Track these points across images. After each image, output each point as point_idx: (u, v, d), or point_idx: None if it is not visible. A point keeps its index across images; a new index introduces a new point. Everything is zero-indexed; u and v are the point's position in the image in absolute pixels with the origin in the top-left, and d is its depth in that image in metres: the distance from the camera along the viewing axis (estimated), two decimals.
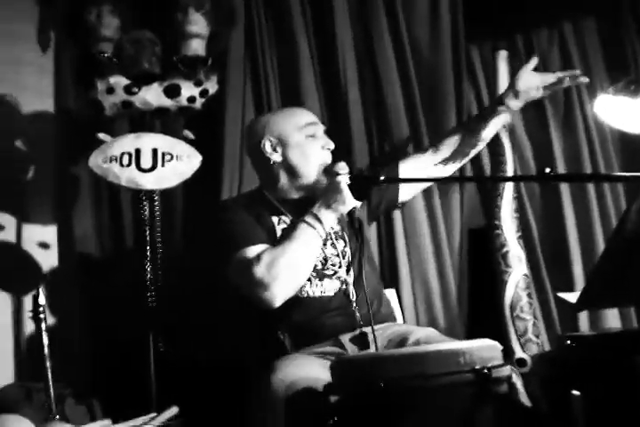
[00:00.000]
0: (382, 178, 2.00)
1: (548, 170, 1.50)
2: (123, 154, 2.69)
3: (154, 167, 2.70)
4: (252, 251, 2.10)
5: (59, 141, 3.19)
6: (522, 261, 2.79)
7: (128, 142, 2.72)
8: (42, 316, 2.25)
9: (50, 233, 3.13)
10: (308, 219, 2.09)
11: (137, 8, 2.83)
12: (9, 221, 3.04)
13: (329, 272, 2.22)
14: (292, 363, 2.00)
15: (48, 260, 3.10)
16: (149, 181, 2.70)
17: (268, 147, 2.28)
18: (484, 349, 1.64)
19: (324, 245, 2.22)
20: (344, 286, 2.23)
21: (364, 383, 1.58)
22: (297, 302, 2.14)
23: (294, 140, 2.27)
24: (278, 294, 2.04)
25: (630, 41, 3.21)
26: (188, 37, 2.74)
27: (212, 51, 2.83)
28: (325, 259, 2.23)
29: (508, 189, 2.85)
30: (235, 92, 2.97)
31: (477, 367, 1.54)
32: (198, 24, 2.75)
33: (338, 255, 2.26)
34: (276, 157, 2.28)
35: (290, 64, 3.00)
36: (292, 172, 2.28)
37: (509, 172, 2.88)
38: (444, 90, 2.99)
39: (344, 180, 2.06)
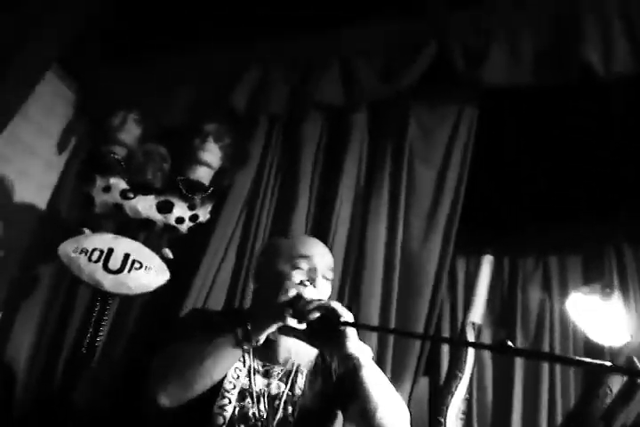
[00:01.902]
0: (342, 320, 1.84)
1: (509, 343, 1.44)
2: (94, 249, 2.64)
3: (120, 271, 2.64)
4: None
5: (37, 236, 3.17)
6: None
7: (104, 240, 2.69)
8: None
9: None
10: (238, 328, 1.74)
11: (161, 124, 2.95)
12: None
13: None
14: None
15: None
16: (109, 283, 2.61)
17: (255, 273, 2.06)
18: None
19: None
20: None
21: None
22: None
23: (277, 269, 1.95)
24: (160, 391, 1.68)
25: (610, 272, 3.33)
26: (198, 163, 2.83)
27: (215, 183, 2.89)
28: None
29: (461, 390, 2.78)
30: (224, 226, 2.94)
31: None
32: (212, 154, 2.85)
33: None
34: (254, 285, 2.04)
35: (285, 217, 3.01)
36: (259, 302, 2.00)
37: (468, 369, 2.83)
38: (421, 289, 2.89)
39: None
